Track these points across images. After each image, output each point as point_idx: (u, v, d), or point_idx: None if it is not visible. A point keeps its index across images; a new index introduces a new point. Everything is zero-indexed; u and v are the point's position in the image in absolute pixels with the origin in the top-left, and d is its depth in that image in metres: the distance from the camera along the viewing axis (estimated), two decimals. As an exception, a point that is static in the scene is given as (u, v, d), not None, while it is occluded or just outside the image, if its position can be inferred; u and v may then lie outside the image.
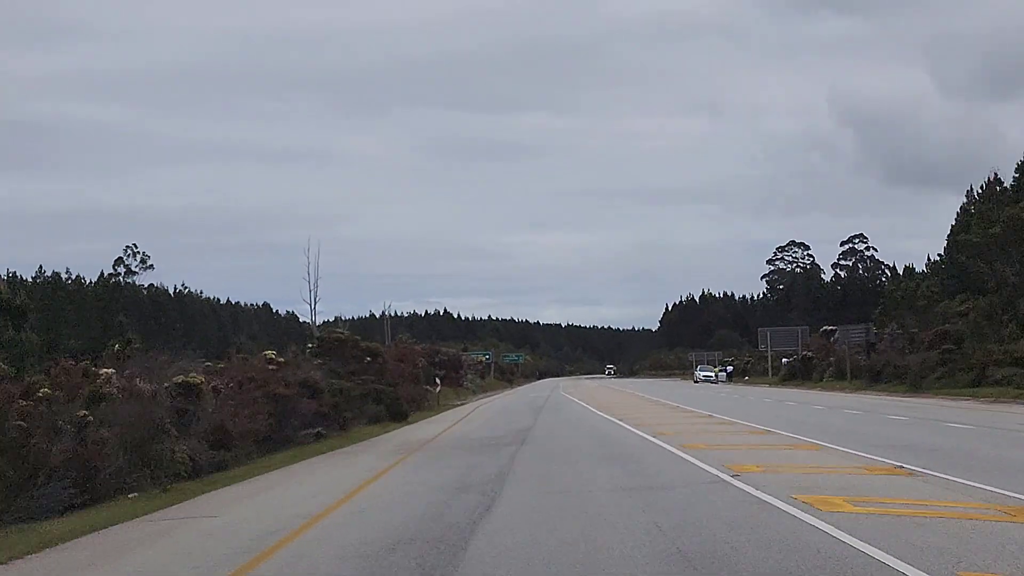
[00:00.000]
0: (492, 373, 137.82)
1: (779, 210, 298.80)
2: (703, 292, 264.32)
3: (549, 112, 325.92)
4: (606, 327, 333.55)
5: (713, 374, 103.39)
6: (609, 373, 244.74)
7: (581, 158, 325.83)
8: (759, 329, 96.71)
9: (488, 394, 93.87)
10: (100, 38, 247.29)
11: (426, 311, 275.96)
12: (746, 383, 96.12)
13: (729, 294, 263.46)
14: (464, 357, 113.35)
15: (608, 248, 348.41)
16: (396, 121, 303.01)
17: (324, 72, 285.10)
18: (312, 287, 50.80)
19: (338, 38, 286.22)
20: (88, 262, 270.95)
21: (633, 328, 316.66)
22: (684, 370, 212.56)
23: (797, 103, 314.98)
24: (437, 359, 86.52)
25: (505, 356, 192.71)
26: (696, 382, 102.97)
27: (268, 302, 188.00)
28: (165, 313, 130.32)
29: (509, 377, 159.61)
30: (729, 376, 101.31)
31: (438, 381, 59.90)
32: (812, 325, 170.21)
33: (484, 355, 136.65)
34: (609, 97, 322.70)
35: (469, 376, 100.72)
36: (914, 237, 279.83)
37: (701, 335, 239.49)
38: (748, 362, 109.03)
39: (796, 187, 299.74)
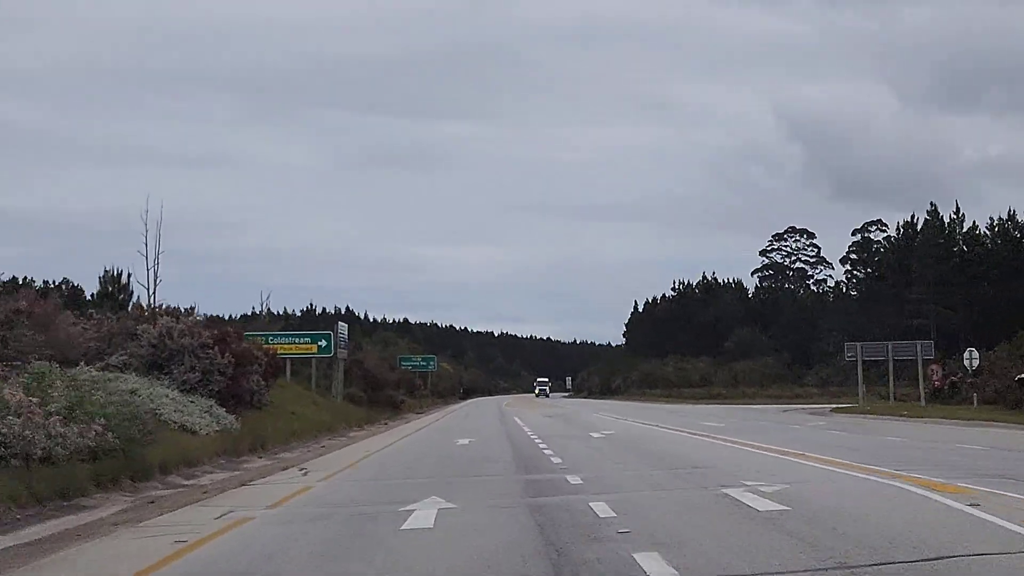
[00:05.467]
0: (340, 388, 53.05)
1: (715, 226, 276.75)
2: (703, 277, 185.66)
3: (468, 120, 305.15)
4: (544, 338, 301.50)
5: None
6: (541, 391, 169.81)
7: (502, 169, 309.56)
8: None
9: None
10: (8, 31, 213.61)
11: (324, 308, 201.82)
12: None
13: (738, 280, 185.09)
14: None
15: (532, 264, 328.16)
16: (306, 125, 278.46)
17: (231, 71, 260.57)
18: (151, 265, 31.88)
19: (246, 36, 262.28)
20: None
21: (575, 341, 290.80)
22: (711, 387, 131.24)
23: (737, 113, 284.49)
24: None
25: (403, 359, 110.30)
26: None
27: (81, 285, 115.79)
28: None
29: (398, 397, 74.20)
30: None
31: None
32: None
33: (316, 341, 51.49)
34: (532, 105, 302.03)
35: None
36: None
37: (707, 337, 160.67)
38: None
39: (735, 202, 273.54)
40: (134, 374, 27.20)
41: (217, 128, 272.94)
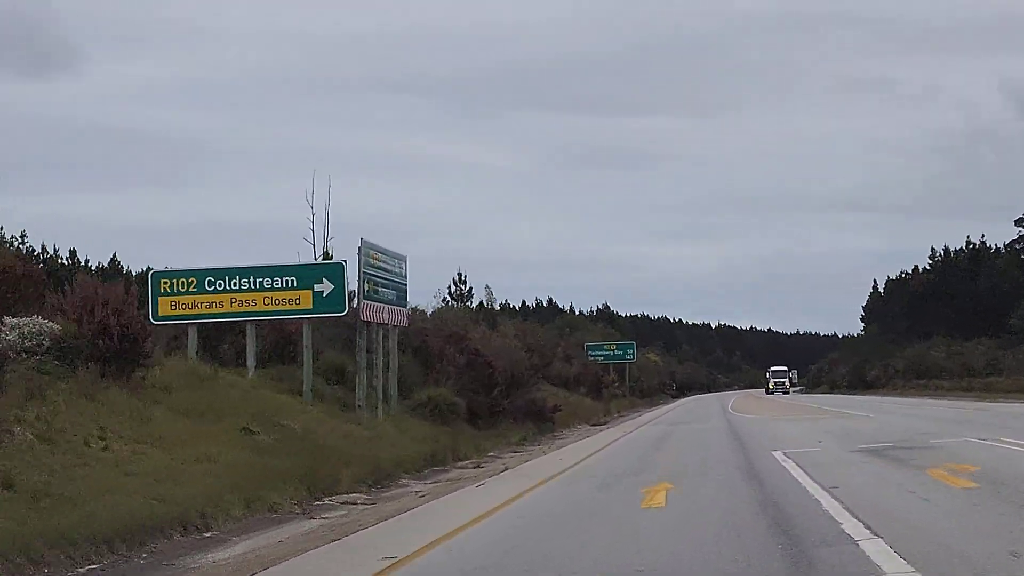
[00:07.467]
0: (390, 391, 24.19)
1: (944, 211, 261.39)
2: (968, 243, 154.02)
3: (677, 115, 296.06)
4: (765, 329, 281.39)
5: None
6: (777, 386, 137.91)
7: (712, 163, 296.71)
8: None
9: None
10: (209, 42, 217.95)
11: (523, 301, 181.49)
12: None
13: (1012, 247, 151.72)
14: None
15: (747, 257, 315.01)
16: (509, 127, 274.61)
17: (434, 77, 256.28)
18: (318, 255, 26.40)
19: (449, 41, 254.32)
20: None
21: (798, 332, 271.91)
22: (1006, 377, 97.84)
23: (961, 92, 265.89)
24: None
25: (592, 348, 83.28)
26: None
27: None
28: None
29: (545, 406, 44.90)
30: None
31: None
32: None
33: (310, 284, 22.64)
34: (743, 96, 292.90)
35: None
36: None
37: (980, 315, 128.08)
38: None
39: (964, 184, 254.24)
40: None
41: (418, 133, 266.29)
